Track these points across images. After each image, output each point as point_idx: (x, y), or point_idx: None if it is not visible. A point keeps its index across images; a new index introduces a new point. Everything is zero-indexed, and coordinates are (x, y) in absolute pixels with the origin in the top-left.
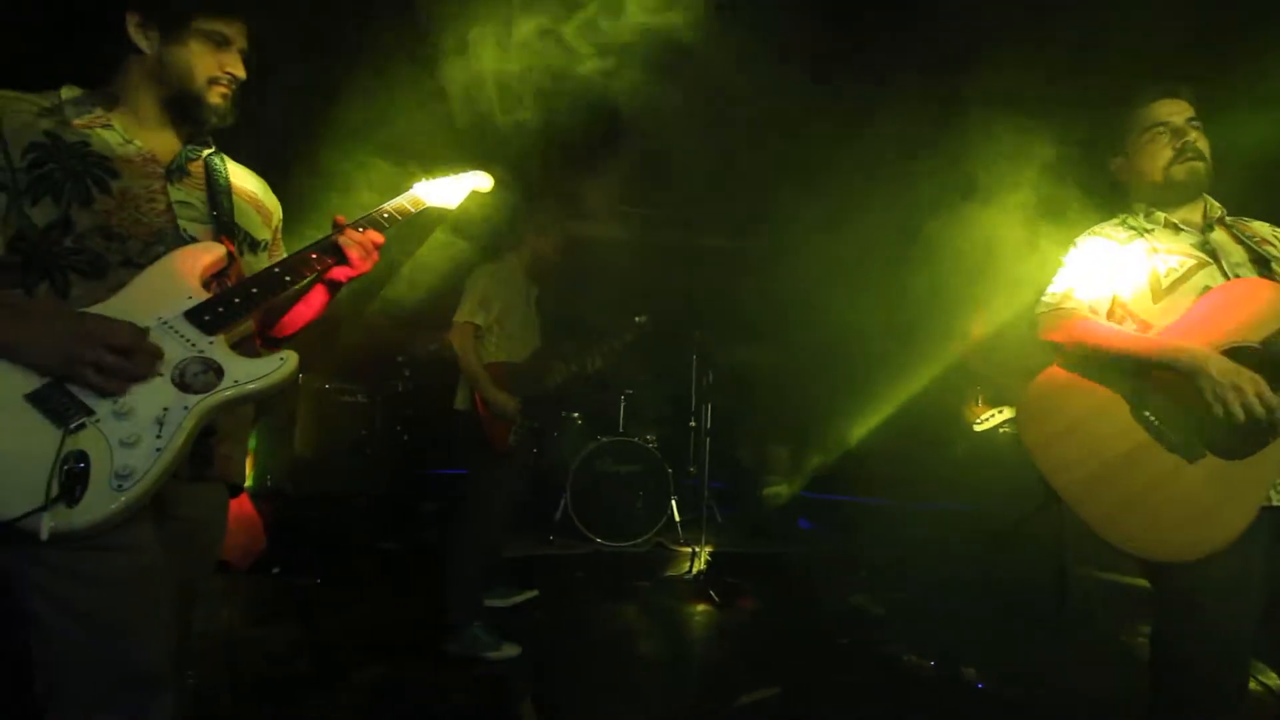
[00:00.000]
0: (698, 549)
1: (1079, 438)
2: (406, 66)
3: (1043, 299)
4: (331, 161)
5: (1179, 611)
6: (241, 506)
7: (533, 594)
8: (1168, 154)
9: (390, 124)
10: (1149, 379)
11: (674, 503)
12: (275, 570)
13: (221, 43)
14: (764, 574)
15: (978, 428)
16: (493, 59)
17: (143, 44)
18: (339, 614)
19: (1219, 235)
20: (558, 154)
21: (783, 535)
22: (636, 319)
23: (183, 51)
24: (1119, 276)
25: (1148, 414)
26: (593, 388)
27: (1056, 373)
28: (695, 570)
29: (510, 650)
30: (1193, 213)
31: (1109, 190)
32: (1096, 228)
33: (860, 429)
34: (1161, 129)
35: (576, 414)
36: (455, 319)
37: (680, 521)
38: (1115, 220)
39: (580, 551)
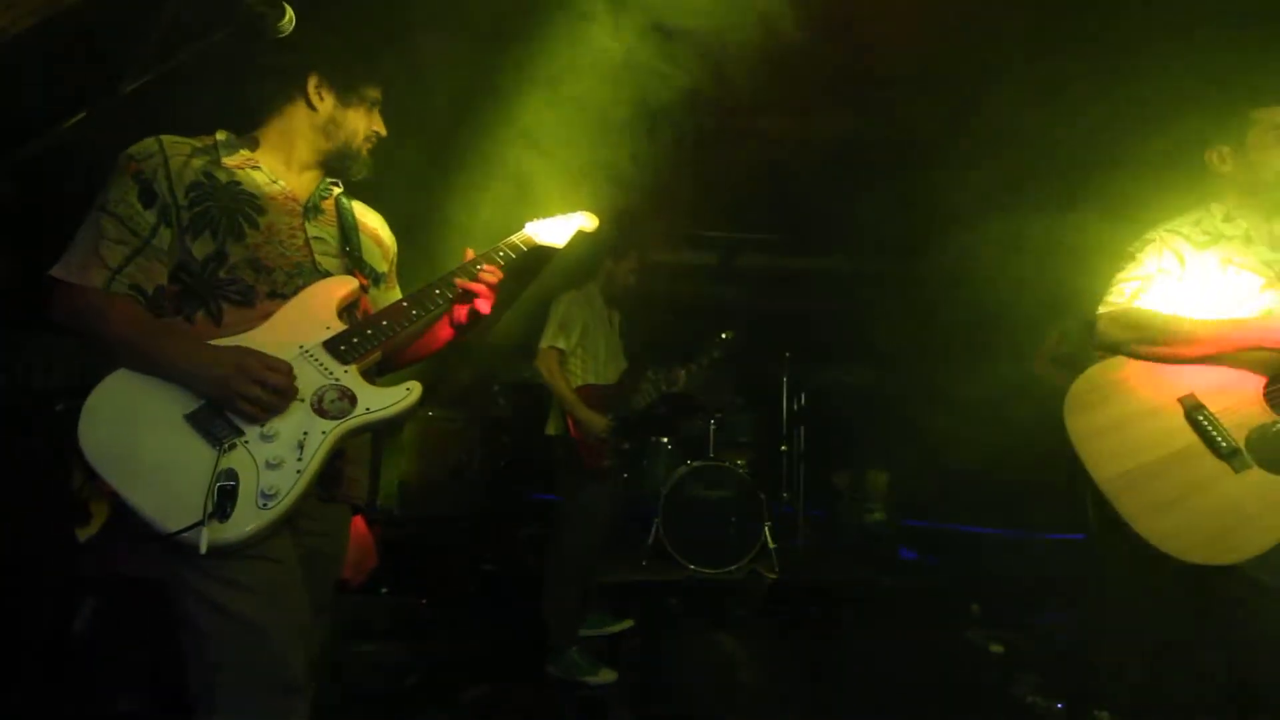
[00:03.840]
0: (794, 578)
1: (1128, 434)
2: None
3: (1106, 298)
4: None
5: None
6: (357, 525)
7: (628, 624)
8: None
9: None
10: (1210, 383)
11: (768, 529)
12: (383, 590)
13: (374, 105)
14: (866, 606)
15: None
16: (579, 84)
17: (316, 102)
18: (444, 634)
19: None
20: (639, 177)
21: (884, 565)
22: (723, 334)
23: (351, 114)
24: (1189, 286)
25: (1201, 419)
26: (682, 411)
27: (1112, 365)
28: (787, 598)
29: (608, 675)
30: (1264, 224)
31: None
32: (1172, 225)
33: (965, 452)
34: None
35: (666, 438)
36: (539, 346)
37: (775, 549)
38: (1189, 218)
39: (673, 578)
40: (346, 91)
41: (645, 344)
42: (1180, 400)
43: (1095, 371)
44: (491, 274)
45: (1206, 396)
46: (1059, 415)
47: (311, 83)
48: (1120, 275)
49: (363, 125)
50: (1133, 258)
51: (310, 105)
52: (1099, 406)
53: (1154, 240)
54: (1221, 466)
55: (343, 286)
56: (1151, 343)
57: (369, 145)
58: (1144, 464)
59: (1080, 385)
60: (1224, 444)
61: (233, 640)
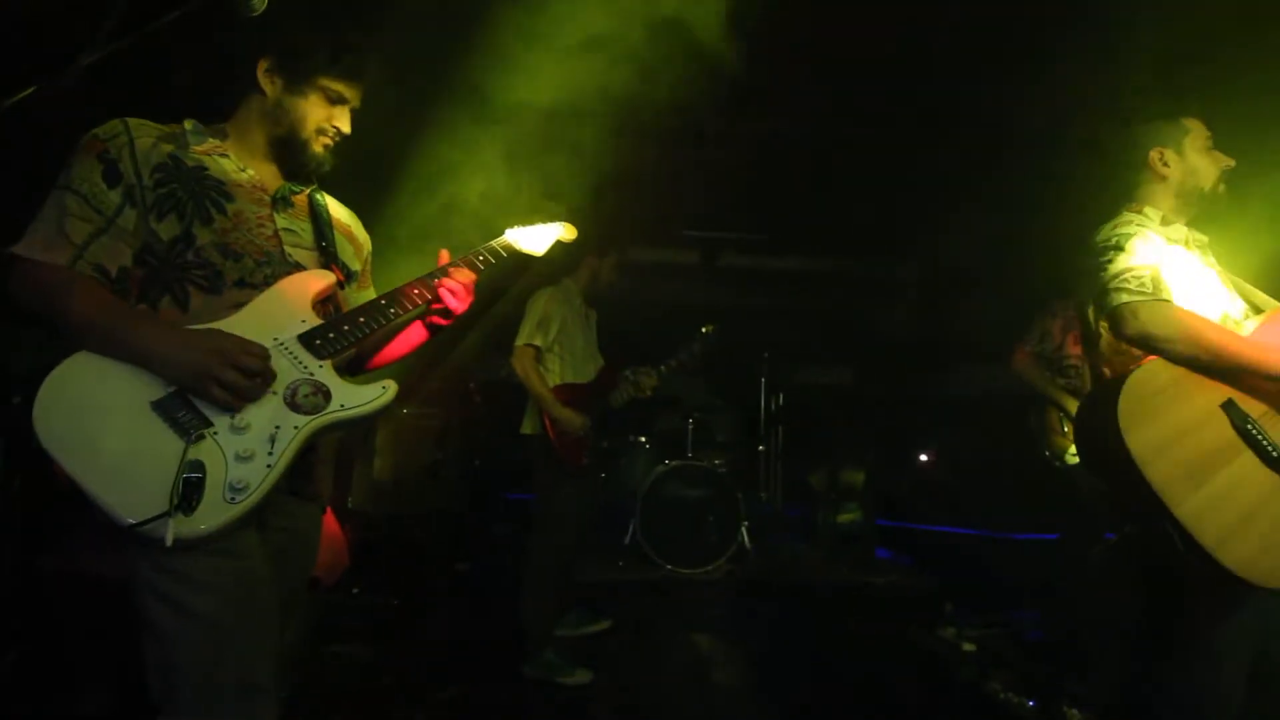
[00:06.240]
0: (771, 577)
1: (1185, 450)
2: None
3: (1125, 287)
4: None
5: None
6: (328, 524)
7: (605, 625)
8: (1218, 169)
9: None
10: (1244, 385)
11: (745, 529)
12: (356, 590)
13: (337, 101)
14: (842, 605)
15: (1071, 459)
16: (553, 79)
17: (266, 86)
18: (417, 634)
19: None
20: (619, 176)
21: (860, 565)
22: (703, 329)
23: (300, 102)
24: (1177, 286)
25: (1251, 429)
26: (659, 410)
27: (1153, 370)
28: (764, 597)
29: (583, 676)
30: (1191, 238)
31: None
32: (1135, 219)
33: (941, 453)
34: (1211, 142)
35: (644, 438)
36: (516, 343)
37: (752, 548)
38: (1134, 217)
39: (651, 577)
40: (297, 78)
41: (623, 342)
42: (1222, 407)
43: (1142, 376)
44: (469, 278)
45: (1244, 401)
46: (1031, 415)
47: (262, 66)
48: (1121, 265)
49: (313, 115)
50: (1120, 248)
51: (260, 89)
52: (1155, 418)
53: (1132, 232)
54: (1275, 478)
55: (320, 280)
56: (1202, 350)
57: (325, 140)
58: (1213, 488)
59: (1130, 399)
60: (1275, 452)
61: (194, 640)
